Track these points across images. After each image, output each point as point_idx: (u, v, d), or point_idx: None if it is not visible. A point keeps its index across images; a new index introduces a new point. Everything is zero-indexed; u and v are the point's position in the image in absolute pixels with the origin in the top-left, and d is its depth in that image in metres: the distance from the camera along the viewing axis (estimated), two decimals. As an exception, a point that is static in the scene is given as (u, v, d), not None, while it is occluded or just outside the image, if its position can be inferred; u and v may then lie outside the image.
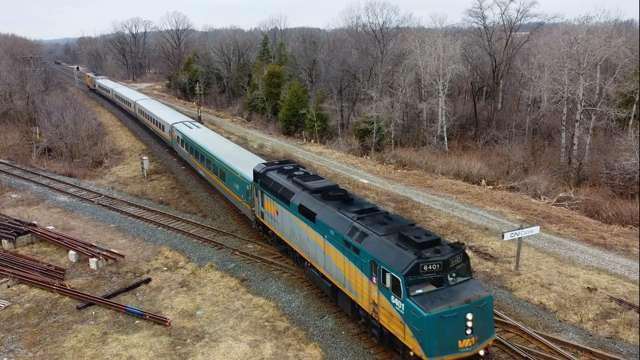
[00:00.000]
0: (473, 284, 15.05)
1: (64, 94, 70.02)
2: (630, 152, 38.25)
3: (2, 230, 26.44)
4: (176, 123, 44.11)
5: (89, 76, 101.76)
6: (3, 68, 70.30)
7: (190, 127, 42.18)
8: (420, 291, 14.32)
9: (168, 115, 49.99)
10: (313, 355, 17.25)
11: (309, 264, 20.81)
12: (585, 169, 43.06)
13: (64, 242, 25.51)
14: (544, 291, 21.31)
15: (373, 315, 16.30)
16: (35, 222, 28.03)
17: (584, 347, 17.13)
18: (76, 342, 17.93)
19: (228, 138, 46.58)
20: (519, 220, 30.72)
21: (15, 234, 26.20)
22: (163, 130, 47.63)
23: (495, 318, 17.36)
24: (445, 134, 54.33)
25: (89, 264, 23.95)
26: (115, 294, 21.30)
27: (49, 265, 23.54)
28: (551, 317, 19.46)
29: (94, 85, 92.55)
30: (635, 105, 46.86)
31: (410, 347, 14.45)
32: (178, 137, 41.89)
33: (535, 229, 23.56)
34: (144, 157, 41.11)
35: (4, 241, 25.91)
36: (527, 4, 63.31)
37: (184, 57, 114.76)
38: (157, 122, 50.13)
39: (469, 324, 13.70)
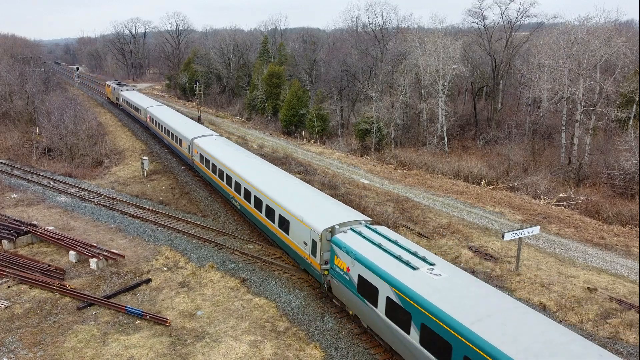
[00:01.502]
0: None
1: (64, 94, 70.01)
2: (630, 152, 38.27)
3: (2, 231, 26.43)
4: (326, 229, 19.62)
5: (109, 86, 79.75)
6: (3, 68, 70.33)
7: (381, 249, 17.35)
8: None
9: (286, 191, 24.70)
10: (313, 355, 17.25)
11: None
12: (585, 169, 43.07)
13: (64, 243, 25.50)
14: (544, 291, 21.31)
15: None
16: (35, 222, 28.01)
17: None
18: (76, 343, 17.93)
19: (228, 138, 46.05)
20: (519, 221, 30.73)
21: (16, 234, 26.19)
22: (281, 226, 23.09)
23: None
24: (445, 134, 54.36)
25: (89, 264, 23.94)
26: (115, 294, 21.30)
27: (49, 266, 23.53)
28: (551, 318, 19.46)
29: (117, 99, 73.25)
30: (635, 105, 46.88)
31: None
32: (346, 268, 17.87)
33: (535, 229, 23.57)
34: (144, 157, 41.09)
35: (4, 241, 25.89)
36: (527, 4, 63.42)
37: (183, 57, 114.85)
38: (260, 200, 25.18)
39: None
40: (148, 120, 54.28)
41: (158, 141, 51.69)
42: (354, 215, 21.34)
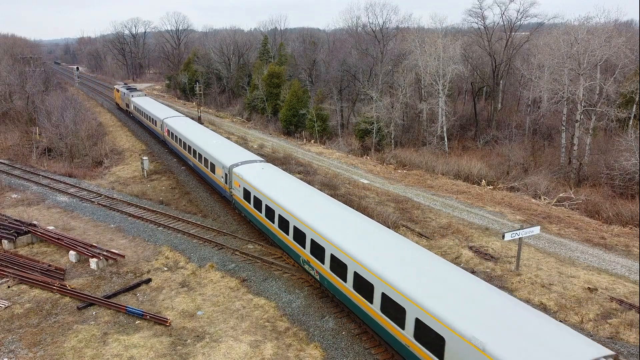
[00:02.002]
0: None
1: (64, 94, 70.00)
2: (630, 152, 38.27)
3: (3, 231, 26.43)
4: None
5: (118, 90, 72.38)
6: (3, 68, 70.37)
7: None
8: None
9: (414, 269, 16.10)
10: (314, 355, 17.24)
11: None
12: (585, 169, 43.07)
13: (64, 243, 25.49)
14: (545, 291, 21.31)
15: None
16: (35, 222, 28.01)
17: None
18: (76, 343, 17.92)
19: (228, 138, 45.80)
20: (519, 221, 30.73)
21: (16, 234, 26.19)
22: (419, 338, 14.32)
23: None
24: (445, 134, 54.33)
25: (89, 264, 23.94)
26: (115, 294, 21.30)
27: (49, 266, 23.53)
28: (552, 318, 19.46)
29: (127, 106, 65.48)
30: (635, 106, 46.88)
31: None
32: None
33: (536, 229, 23.57)
34: (144, 157, 41.07)
35: (4, 241, 25.89)
36: (527, 4, 63.43)
37: (183, 57, 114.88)
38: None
39: None
40: (165, 134, 45.76)
41: (180, 161, 43.12)
42: (572, 337, 12.52)
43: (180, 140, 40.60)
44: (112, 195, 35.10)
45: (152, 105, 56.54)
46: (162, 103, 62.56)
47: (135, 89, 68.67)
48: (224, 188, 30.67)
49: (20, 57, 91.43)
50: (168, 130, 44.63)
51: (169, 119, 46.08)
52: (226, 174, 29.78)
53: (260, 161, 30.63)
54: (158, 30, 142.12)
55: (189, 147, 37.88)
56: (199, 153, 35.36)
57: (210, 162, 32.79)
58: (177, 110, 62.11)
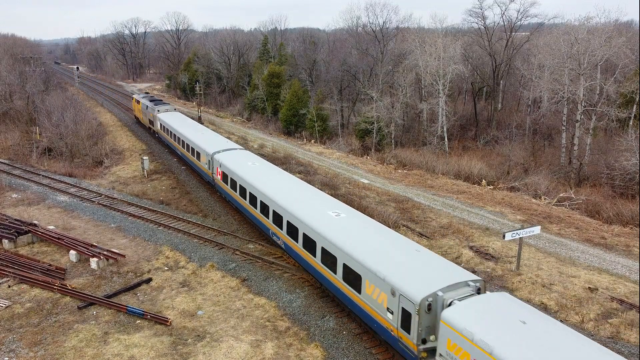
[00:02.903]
0: None
1: (64, 94, 69.96)
2: (630, 152, 38.29)
3: (3, 230, 26.42)
4: None
5: (138, 102, 57.59)
6: (3, 68, 70.25)
7: None
8: None
9: None
10: (314, 355, 17.24)
11: None
12: (585, 169, 43.07)
13: (65, 242, 25.49)
14: (545, 291, 21.31)
15: None
16: (35, 222, 28.00)
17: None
18: (77, 342, 17.91)
19: (228, 138, 45.62)
20: (520, 221, 30.74)
21: (16, 234, 26.18)
22: None
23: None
24: (445, 134, 54.32)
25: (89, 264, 23.93)
26: (116, 294, 21.29)
27: (50, 265, 23.53)
28: (553, 318, 19.46)
29: (151, 124, 51.55)
30: (635, 106, 46.87)
31: None
32: None
33: (536, 229, 23.57)
34: (144, 157, 41.05)
35: (5, 241, 25.88)
36: (527, 4, 63.55)
37: (184, 57, 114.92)
38: None
39: None
40: (219, 177, 30.73)
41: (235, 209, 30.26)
42: None
43: (253, 197, 25.42)
44: (112, 195, 35.09)
45: (189, 128, 40.53)
46: (204, 125, 46.50)
47: (161, 102, 53.74)
48: (396, 336, 15.25)
49: (20, 57, 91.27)
50: (224, 174, 29.69)
51: (223, 155, 30.86)
52: (406, 312, 14.53)
53: (469, 282, 14.83)
54: (158, 30, 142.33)
55: (274, 213, 23.12)
56: (304, 233, 20.40)
57: (345, 265, 17.57)
58: (176, 109, 60.84)
